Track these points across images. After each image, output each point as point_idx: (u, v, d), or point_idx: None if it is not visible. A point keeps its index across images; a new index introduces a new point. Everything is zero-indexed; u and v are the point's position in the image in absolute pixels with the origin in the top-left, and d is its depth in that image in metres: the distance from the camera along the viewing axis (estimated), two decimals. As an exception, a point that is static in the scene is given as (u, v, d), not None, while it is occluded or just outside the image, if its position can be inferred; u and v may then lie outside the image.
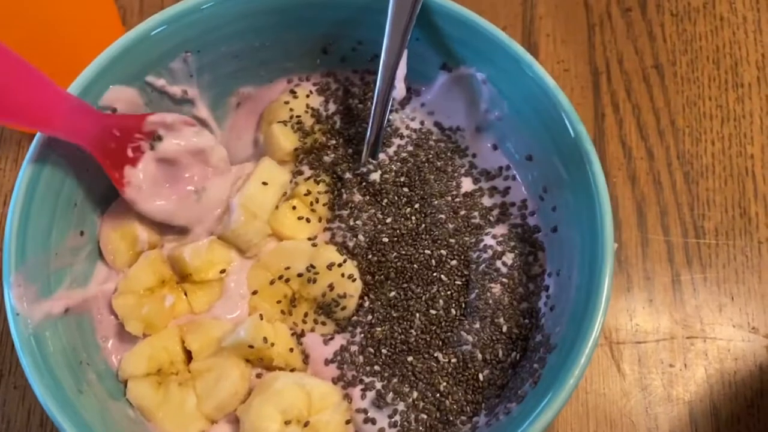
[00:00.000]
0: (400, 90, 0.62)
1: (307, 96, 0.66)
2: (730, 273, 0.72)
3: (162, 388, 0.57)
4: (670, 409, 0.67)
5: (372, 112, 0.61)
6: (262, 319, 0.58)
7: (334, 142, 0.65)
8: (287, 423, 0.54)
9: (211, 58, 0.62)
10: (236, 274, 0.61)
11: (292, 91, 0.66)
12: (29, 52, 0.65)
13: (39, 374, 0.48)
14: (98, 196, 0.60)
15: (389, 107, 0.61)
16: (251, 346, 0.56)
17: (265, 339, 0.56)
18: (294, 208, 0.63)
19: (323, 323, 0.60)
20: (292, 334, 0.59)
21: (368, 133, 0.62)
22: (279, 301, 0.60)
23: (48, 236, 0.54)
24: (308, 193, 0.63)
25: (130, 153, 0.57)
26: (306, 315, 0.60)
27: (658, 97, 0.79)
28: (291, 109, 0.65)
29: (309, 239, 0.62)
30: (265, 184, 0.62)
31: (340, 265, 0.59)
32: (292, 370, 0.58)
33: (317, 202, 0.63)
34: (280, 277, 0.60)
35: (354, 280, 0.59)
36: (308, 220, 0.63)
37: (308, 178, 0.64)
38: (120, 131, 0.57)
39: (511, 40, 0.57)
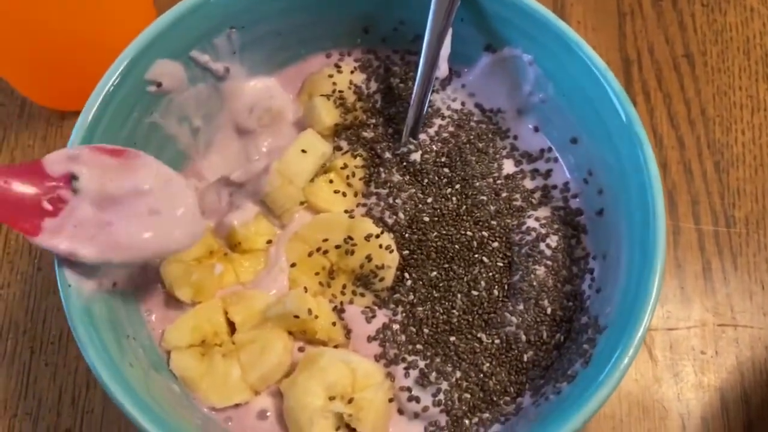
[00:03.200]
0: (443, 70, 0.62)
1: (351, 72, 0.65)
2: (761, 262, 0.72)
3: (206, 359, 0.57)
4: (701, 396, 0.67)
5: (414, 91, 0.61)
6: (306, 291, 0.58)
7: (374, 121, 0.64)
8: (331, 399, 0.54)
9: (254, 35, 0.62)
10: (277, 246, 0.61)
11: (337, 65, 0.66)
12: (59, 32, 0.65)
13: (92, 345, 0.48)
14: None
15: (431, 87, 0.61)
16: (296, 317, 0.56)
17: (309, 311, 0.56)
18: (331, 181, 0.63)
19: (362, 295, 0.60)
20: (333, 309, 0.59)
21: (409, 113, 0.62)
22: (317, 273, 0.60)
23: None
24: (345, 166, 0.63)
25: (47, 205, 0.50)
26: (344, 287, 0.60)
27: (689, 87, 0.79)
28: (334, 83, 0.65)
29: (345, 212, 0.62)
30: (303, 152, 0.62)
31: (377, 237, 0.59)
32: (335, 346, 0.58)
33: (353, 176, 0.63)
34: (318, 249, 0.60)
35: (391, 252, 0.59)
36: (344, 195, 0.63)
37: (345, 152, 0.64)
38: (12, 181, 0.49)
39: (560, 21, 0.57)
